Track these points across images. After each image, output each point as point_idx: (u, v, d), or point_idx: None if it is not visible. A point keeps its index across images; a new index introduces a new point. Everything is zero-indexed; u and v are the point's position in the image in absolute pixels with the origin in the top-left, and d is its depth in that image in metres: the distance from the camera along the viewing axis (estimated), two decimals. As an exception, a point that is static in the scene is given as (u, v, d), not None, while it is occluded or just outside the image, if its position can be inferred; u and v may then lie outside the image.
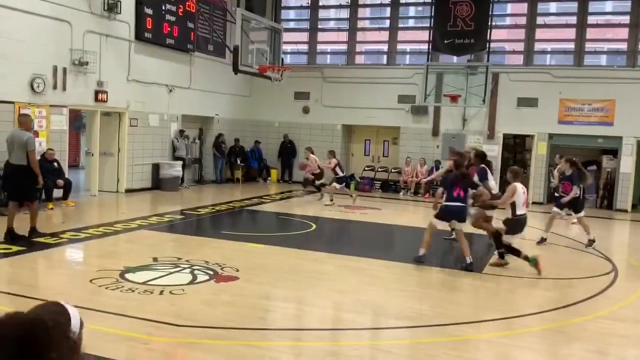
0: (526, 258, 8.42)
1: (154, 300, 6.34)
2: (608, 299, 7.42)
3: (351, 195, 15.82)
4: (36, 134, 12.37)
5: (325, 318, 6.40)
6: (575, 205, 11.09)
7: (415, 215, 13.50)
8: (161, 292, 6.59)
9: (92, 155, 14.52)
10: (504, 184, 12.56)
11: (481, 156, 9.86)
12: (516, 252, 8.61)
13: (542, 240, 10.95)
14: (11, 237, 8.80)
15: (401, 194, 18.61)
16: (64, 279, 7.21)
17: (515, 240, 8.72)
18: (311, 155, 15.83)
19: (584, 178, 11.11)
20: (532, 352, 5.58)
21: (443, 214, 8.77)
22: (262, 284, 7.31)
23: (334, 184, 15.42)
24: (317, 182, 15.93)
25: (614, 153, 17.58)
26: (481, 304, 7.20)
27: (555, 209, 11.32)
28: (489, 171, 9.84)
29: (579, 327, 6.30)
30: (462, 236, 8.75)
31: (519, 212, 8.57)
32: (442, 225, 8.96)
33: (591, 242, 10.86)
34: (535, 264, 8.32)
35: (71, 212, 12.12)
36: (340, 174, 15.59)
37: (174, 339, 5.31)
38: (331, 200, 15.32)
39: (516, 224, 8.64)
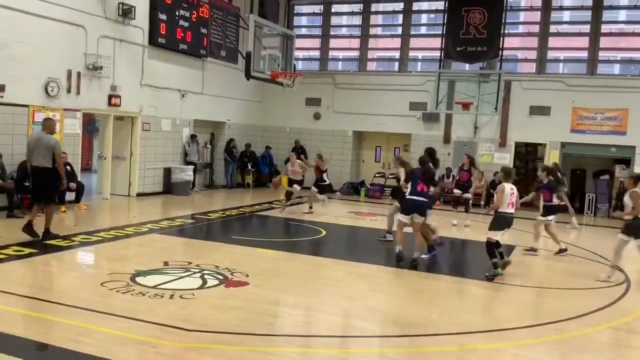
0: (495, 265, 8.40)
1: (164, 304, 6.36)
2: (620, 310, 7.36)
3: (323, 201, 14.45)
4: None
5: (334, 325, 6.39)
6: (550, 211, 11.00)
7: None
8: (171, 296, 6.62)
9: (105, 159, 14.63)
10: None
11: (430, 154, 10.06)
12: (491, 253, 8.52)
13: (532, 250, 10.96)
14: (29, 230, 9.07)
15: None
16: (75, 282, 7.26)
17: (498, 237, 8.50)
18: (297, 160, 14.63)
19: (562, 184, 11.40)
20: (543, 363, 5.54)
21: (406, 208, 9.07)
22: (271, 289, 7.32)
23: (313, 188, 14.17)
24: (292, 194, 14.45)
25: (627, 162, 17.42)
26: (490, 313, 7.17)
27: (540, 217, 11.21)
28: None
29: (590, 338, 6.24)
30: (418, 230, 9.10)
31: (502, 209, 8.50)
32: (405, 218, 9.13)
33: (562, 250, 10.82)
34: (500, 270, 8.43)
35: (83, 215, 12.20)
36: (325, 182, 14.29)
37: (183, 344, 5.32)
38: (310, 207, 14.29)
39: (499, 219, 8.57)
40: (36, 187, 9.29)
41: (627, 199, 8.68)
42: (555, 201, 10.93)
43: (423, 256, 9.27)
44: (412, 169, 9.63)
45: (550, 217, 10.91)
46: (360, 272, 8.64)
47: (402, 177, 9.96)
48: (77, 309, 5.99)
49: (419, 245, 9.08)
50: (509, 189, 8.55)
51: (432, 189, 9.24)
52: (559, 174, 11.71)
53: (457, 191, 14.23)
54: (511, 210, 8.55)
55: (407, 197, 9.10)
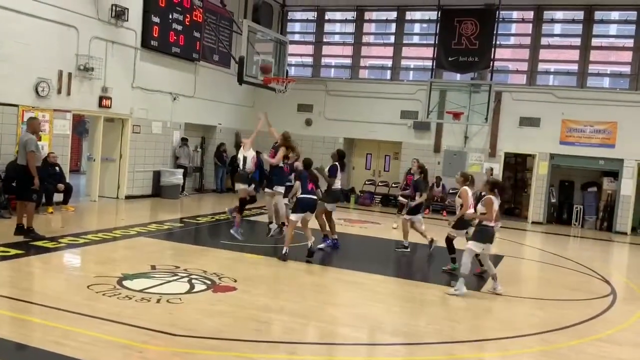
0: (454, 260, 9.31)
1: (150, 308, 6.32)
2: (606, 322, 7.40)
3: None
4: (39, 137, 12.40)
5: (321, 332, 6.37)
6: (415, 210, 11.14)
7: (413, 230, 13.42)
8: (158, 301, 6.57)
9: (94, 160, 14.53)
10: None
11: (339, 155, 11.15)
12: (451, 250, 9.35)
13: (404, 248, 11.06)
14: (20, 231, 9.38)
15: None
16: (61, 284, 7.19)
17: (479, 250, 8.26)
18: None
19: (427, 187, 11.69)
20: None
21: (299, 207, 9.55)
22: (259, 295, 7.29)
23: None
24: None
25: (615, 175, 17.58)
26: (478, 323, 7.17)
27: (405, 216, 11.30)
28: (339, 169, 11.05)
29: (576, 349, 6.26)
30: (306, 227, 9.65)
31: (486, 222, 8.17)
32: (297, 217, 9.54)
33: (431, 242, 11.00)
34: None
35: (71, 217, 12.11)
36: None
37: (169, 348, 5.28)
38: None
39: (464, 222, 9.06)
40: (15, 184, 9.81)
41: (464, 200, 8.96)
42: (418, 200, 10.99)
43: (320, 246, 10.34)
44: (301, 170, 10.07)
45: (418, 216, 11.11)
46: (349, 280, 8.63)
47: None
48: (61, 311, 5.93)
49: (287, 241, 9.59)
50: (471, 192, 9.01)
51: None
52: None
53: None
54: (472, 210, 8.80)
55: (300, 196, 9.65)
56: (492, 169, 14.62)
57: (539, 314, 7.70)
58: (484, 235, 8.13)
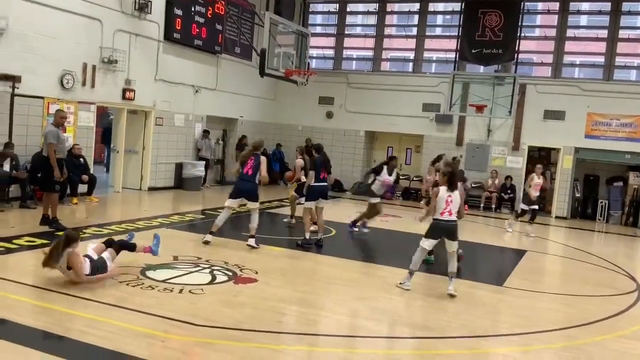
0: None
1: (173, 298, 6.38)
2: (631, 319, 7.28)
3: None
4: (64, 129, 12.59)
5: (342, 324, 6.38)
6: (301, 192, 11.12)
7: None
8: (180, 291, 6.64)
9: (118, 152, 14.69)
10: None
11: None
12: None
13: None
14: (45, 222, 9.57)
15: (422, 202, 18.47)
16: (85, 274, 7.28)
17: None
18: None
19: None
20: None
21: (312, 194, 9.92)
22: (280, 287, 7.32)
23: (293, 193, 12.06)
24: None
25: (641, 170, 17.27)
26: (500, 318, 7.11)
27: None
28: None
29: (600, 345, 6.18)
30: (320, 215, 10.11)
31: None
32: (311, 205, 10.07)
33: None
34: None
35: (95, 208, 12.27)
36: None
37: (191, 338, 5.34)
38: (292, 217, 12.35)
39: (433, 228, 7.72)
40: (40, 176, 10.04)
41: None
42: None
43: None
44: (316, 157, 10.27)
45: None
46: (370, 273, 8.62)
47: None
48: (86, 300, 6.02)
49: (322, 226, 10.23)
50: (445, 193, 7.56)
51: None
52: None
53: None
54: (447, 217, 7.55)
55: (313, 184, 9.95)
56: (460, 157, 14.55)
57: (563, 310, 7.60)
58: (433, 229, 7.61)
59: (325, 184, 10.21)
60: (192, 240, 9.91)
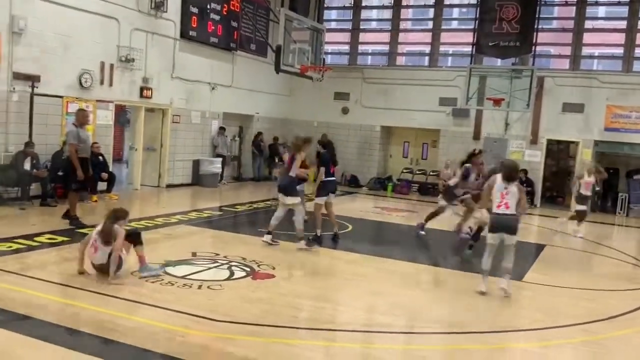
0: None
1: (192, 294, 6.44)
2: (653, 313, 7.20)
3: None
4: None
5: (361, 319, 6.39)
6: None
7: (451, 219, 13.27)
8: (199, 287, 6.70)
9: (136, 150, 14.83)
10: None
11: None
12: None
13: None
14: (67, 216, 9.74)
15: (439, 197, 18.36)
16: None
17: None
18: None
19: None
20: (572, 364, 5.46)
21: (323, 190, 9.83)
22: (298, 282, 7.35)
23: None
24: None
25: (663, 162, 17.01)
26: (520, 313, 7.06)
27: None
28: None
29: (621, 340, 6.12)
30: (331, 210, 10.13)
31: None
32: (322, 200, 9.93)
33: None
34: None
35: (114, 205, 12.36)
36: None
37: (211, 334, 5.38)
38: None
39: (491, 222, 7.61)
40: (62, 174, 10.31)
41: None
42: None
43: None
44: (324, 152, 10.09)
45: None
46: (387, 268, 8.60)
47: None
48: (107, 296, 6.10)
49: (335, 221, 10.28)
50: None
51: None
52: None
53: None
54: None
55: (325, 179, 9.85)
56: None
57: (583, 304, 7.53)
58: (491, 223, 7.46)
59: (334, 178, 10.28)
60: (210, 237, 10.00)
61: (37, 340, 4.88)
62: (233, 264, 7.89)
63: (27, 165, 11.18)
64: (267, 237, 9.34)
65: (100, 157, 12.85)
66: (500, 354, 5.59)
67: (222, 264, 7.84)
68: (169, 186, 15.47)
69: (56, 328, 5.23)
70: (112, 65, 13.31)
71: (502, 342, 5.84)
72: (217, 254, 8.36)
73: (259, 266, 7.85)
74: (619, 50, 17.70)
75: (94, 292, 6.23)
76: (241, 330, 5.50)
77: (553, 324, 6.42)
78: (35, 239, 8.49)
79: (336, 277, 8.00)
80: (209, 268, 7.63)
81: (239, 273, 7.48)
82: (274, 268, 7.81)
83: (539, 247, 11.19)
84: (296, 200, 9.35)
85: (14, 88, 11.23)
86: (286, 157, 10.75)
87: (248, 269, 7.67)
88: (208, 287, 6.73)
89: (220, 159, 16.92)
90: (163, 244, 9.17)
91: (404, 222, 13.21)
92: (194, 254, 8.28)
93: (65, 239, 8.64)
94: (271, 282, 7.22)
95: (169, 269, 7.32)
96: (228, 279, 7.22)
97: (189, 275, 7.15)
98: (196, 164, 16.42)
